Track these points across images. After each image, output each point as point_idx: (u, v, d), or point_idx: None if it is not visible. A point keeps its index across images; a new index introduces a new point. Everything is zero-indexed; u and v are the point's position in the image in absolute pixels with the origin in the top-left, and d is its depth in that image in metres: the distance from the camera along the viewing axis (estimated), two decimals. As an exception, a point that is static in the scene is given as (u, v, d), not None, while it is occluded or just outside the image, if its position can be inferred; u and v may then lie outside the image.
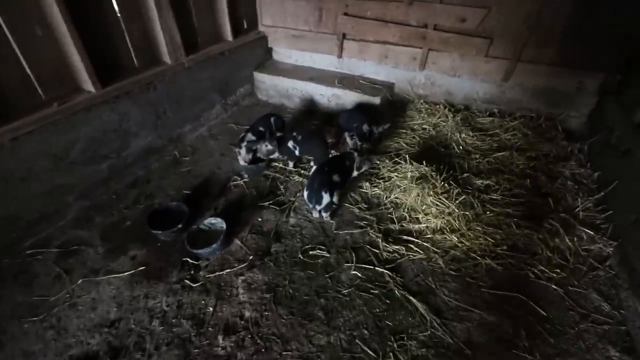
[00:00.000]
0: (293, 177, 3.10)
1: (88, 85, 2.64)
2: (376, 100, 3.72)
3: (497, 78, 3.50)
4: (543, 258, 2.24)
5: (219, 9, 3.77)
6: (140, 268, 2.28)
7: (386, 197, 2.76)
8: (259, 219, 2.65)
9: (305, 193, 2.46)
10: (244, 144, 3.15)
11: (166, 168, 3.21)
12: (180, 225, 2.43)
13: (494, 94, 3.67)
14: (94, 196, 2.80)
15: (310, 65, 4.42)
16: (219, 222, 2.49)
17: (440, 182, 2.62)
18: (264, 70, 4.35)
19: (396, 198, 2.72)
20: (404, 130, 3.58)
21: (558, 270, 2.15)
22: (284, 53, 4.53)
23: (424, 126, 3.59)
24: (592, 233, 2.35)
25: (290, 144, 3.00)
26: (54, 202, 2.56)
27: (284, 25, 4.21)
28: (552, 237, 2.36)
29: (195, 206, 2.74)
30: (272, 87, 4.32)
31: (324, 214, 2.57)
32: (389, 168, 3.01)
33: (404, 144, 3.38)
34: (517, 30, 3.17)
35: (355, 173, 2.74)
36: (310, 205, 2.48)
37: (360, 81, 4.02)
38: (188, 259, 2.33)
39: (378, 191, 2.83)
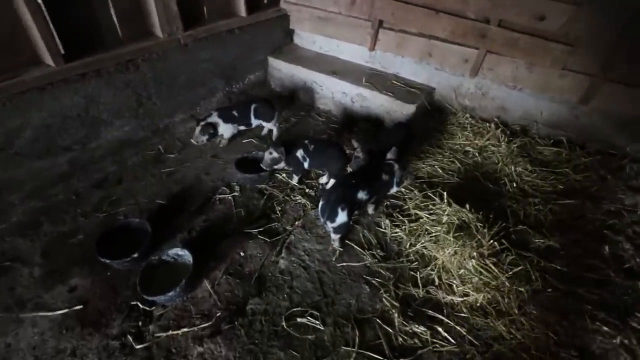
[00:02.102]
0: (295, 196, 2.47)
1: (47, 58, 2.07)
2: (410, 108, 2.99)
3: (572, 98, 2.70)
4: (630, 380, 1.55)
5: (232, -24, 3.10)
6: (77, 307, 1.74)
7: (410, 245, 2.09)
8: (242, 253, 2.06)
9: (320, 203, 1.97)
10: (202, 123, 2.62)
11: (145, 166, 2.65)
12: (135, 255, 1.86)
13: (563, 117, 2.87)
14: (48, 195, 2.28)
15: (335, 56, 3.71)
16: (186, 255, 1.91)
17: (488, 240, 1.92)
18: (281, 57, 3.67)
19: (424, 248, 2.05)
20: (441, 150, 2.86)
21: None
22: (307, 38, 3.82)
23: (467, 148, 2.85)
24: None
25: (300, 153, 2.37)
26: (-9, 202, 2.04)
27: (310, 4, 3.49)
28: (645, 346, 1.65)
29: (165, 225, 2.18)
30: (288, 76, 3.64)
31: (333, 236, 2.03)
32: (417, 202, 2.33)
33: (439, 170, 2.67)
34: (613, 37, 2.34)
35: (394, 189, 2.20)
36: (322, 219, 1.97)
37: (394, 81, 3.29)
38: (139, 303, 1.77)
39: (400, 233, 2.16)
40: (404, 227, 2.20)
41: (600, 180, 2.52)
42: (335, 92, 3.40)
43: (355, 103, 3.33)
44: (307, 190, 2.55)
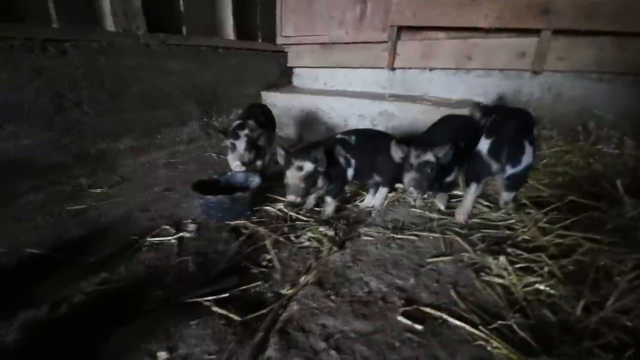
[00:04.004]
0: (301, 235, 1.31)
1: None
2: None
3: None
4: None
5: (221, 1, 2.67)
6: None
7: (586, 308, 0.83)
8: (163, 355, 0.78)
9: (487, 142, 1.26)
10: (245, 131, 1.65)
11: (43, 204, 1.55)
12: None
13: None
14: None
15: (344, 89, 3.05)
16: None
17: None
18: (277, 90, 3.00)
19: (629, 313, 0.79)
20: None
21: None
22: (308, 76, 3.25)
23: (567, 157, 1.81)
24: None
25: (341, 154, 1.40)
26: None
27: (311, 33, 3.02)
28: None
29: (17, 291, 0.97)
30: (285, 111, 2.88)
31: (506, 195, 1.33)
32: (539, 224, 1.16)
33: (540, 187, 1.57)
34: None
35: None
36: (493, 166, 1.25)
37: (425, 99, 2.49)
38: None
39: (543, 286, 0.92)
40: (545, 269, 0.97)
41: None
42: (349, 117, 2.57)
43: (377, 126, 2.45)
44: (320, 228, 1.39)
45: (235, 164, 1.67)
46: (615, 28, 1.90)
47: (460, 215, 1.35)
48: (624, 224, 1.06)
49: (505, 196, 1.40)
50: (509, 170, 1.27)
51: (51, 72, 1.65)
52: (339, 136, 1.46)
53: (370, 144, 1.47)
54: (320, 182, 1.33)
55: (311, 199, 1.51)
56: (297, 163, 1.27)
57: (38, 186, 1.66)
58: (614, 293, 0.87)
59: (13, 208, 1.50)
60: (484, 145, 1.30)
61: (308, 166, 1.27)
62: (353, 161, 1.42)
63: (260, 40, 3.17)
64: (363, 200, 1.60)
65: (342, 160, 1.39)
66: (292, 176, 1.28)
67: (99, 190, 1.71)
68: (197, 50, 2.35)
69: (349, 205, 1.60)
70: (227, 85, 2.66)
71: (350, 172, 1.43)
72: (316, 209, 1.55)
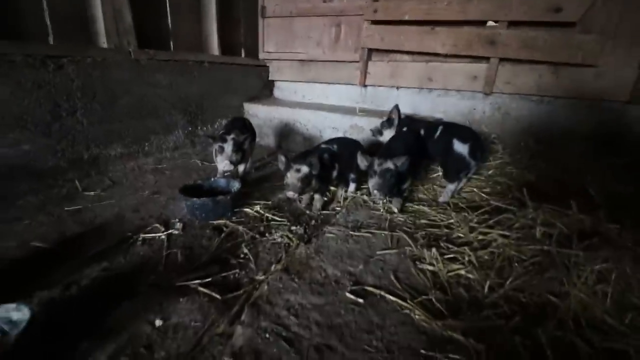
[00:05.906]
0: (275, 233, 1.53)
1: None
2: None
3: (617, 100, 2.19)
4: None
5: (206, 16, 2.88)
6: None
7: (491, 289, 1.10)
8: (157, 322, 0.99)
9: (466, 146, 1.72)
10: (232, 135, 1.86)
11: (41, 206, 1.71)
12: None
13: (614, 130, 2.29)
14: None
15: (320, 102, 3.31)
16: (23, 316, 0.85)
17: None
18: (259, 102, 3.23)
19: (518, 291, 1.05)
20: (473, 177, 2.10)
21: None
22: (288, 88, 3.50)
23: (507, 169, 2.12)
24: None
25: (327, 159, 1.73)
26: None
27: (291, 50, 3.27)
28: None
29: (29, 277, 1.14)
30: (267, 121, 3.11)
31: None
32: (472, 224, 1.42)
33: (482, 194, 1.86)
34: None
35: None
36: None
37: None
38: None
39: (463, 272, 1.18)
40: (466, 258, 1.24)
41: None
42: (324, 129, 2.82)
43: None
44: (293, 227, 1.61)
45: (224, 163, 1.86)
46: (550, 58, 2.25)
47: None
48: (527, 223, 1.34)
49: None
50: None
51: (51, 85, 1.82)
52: (323, 146, 1.83)
53: (347, 150, 1.83)
54: (314, 182, 1.63)
55: (305, 198, 1.80)
56: (295, 166, 1.58)
57: (36, 189, 1.81)
58: (512, 275, 1.14)
59: (13, 208, 1.65)
60: (463, 148, 1.73)
61: (304, 169, 1.58)
62: (336, 164, 1.75)
63: (243, 55, 3.40)
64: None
65: (328, 164, 1.69)
66: (292, 177, 1.58)
67: (92, 193, 1.87)
68: (184, 65, 2.55)
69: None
70: (212, 97, 2.86)
71: (334, 174, 1.76)
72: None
